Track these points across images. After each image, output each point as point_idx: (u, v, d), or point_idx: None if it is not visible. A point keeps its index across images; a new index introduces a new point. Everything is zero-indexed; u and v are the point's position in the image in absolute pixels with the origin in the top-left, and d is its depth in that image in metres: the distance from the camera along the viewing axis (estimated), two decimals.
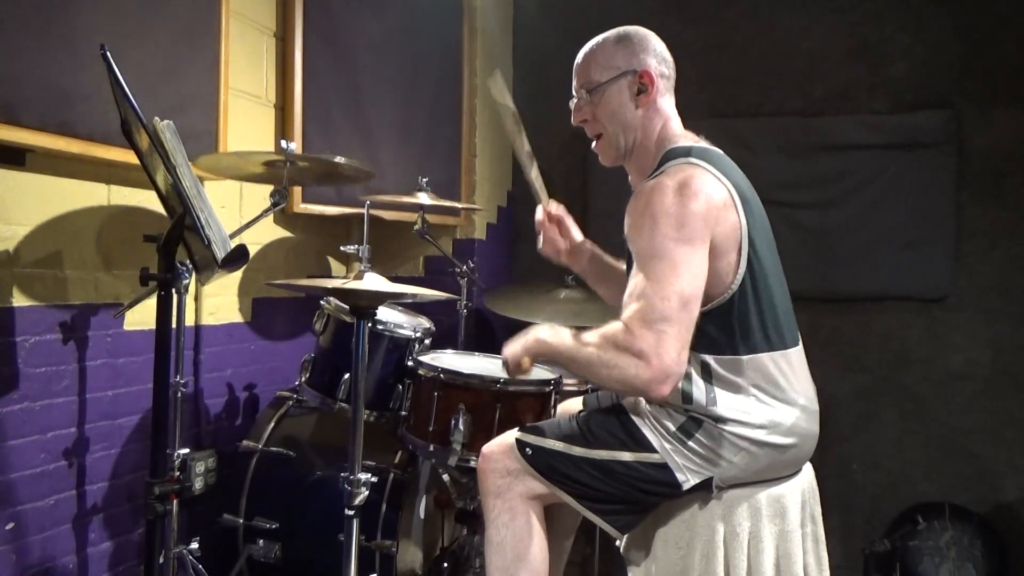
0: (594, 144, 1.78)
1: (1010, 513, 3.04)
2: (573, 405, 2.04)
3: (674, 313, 1.44)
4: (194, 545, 2.02)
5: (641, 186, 1.60)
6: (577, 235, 1.99)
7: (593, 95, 1.71)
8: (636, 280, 1.50)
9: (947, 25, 3.12)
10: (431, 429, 2.03)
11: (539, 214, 1.98)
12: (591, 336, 1.52)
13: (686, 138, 1.69)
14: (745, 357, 1.55)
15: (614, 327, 1.49)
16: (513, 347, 1.67)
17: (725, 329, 1.55)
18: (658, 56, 1.71)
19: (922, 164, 3.11)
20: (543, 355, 1.65)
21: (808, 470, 1.71)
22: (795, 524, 1.60)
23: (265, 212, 2.14)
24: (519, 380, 2.02)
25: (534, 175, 1.94)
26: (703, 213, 1.50)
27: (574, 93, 1.76)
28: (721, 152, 1.68)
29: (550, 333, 1.63)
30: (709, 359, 1.55)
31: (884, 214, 3.16)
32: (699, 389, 1.55)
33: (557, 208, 1.99)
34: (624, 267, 1.89)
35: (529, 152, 1.92)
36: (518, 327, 2.92)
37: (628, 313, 1.48)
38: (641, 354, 1.43)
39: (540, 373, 2.18)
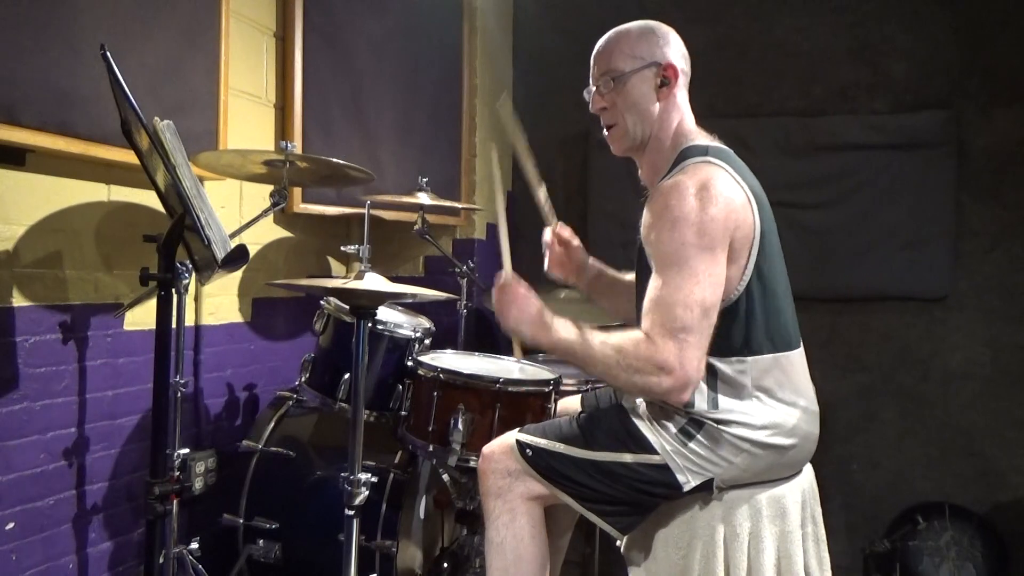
0: (605, 132, 1.75)
1: (1010, 513, 3.04)
2: (572, 403, 2.04)
3: (695, 322, 1.43)
4: (194, 545, 2.03)
5: (659, 186, 1.58)
6: (584, 257, 1.99)
7: (616, 83, 1.68)
8: (656, 287, 1.49)
9: (947, 25, 3.12)
10: (431, 429, 2.03)
11: (547, 235, 1.98)
12: (611, 340, 1.50)
13: (702, 136, 1.68)
14: (748, 359, 1.55)
15: (635, 336, 1.48)
16: (525, 323, 1.61)
17: (730, 331, 1.54)
18: (679, 52, 1.70)
19: (922, 164, 3.11)
20: (556, 350, 1.60)
21: (808, 471, 1.71)
22: (795, 525, 1.60)
23: (265, 212, 2.14)
24: (518, 381, 2.03)
25: (542, 197, 1.93)
26: (723, 219, 1.49)
27: (592, 82, 1.74)
28: (734, 153, 1.67)
29: (566, 329, 1.57)
30: (713, 361, 1.54)
31: (884, 214, 3.16)
32: (701, 393, 1.55)
33: (565, 230, 1.98)
34: (628, 277, 1.89)
35: (537, 175, 1.90)
36: None
37: (648, 322, 1.47)
38: (665, 365, 1.43)
39: (540, 373, 2.19)
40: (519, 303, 1.63)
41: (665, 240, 1.49)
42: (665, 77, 1.66)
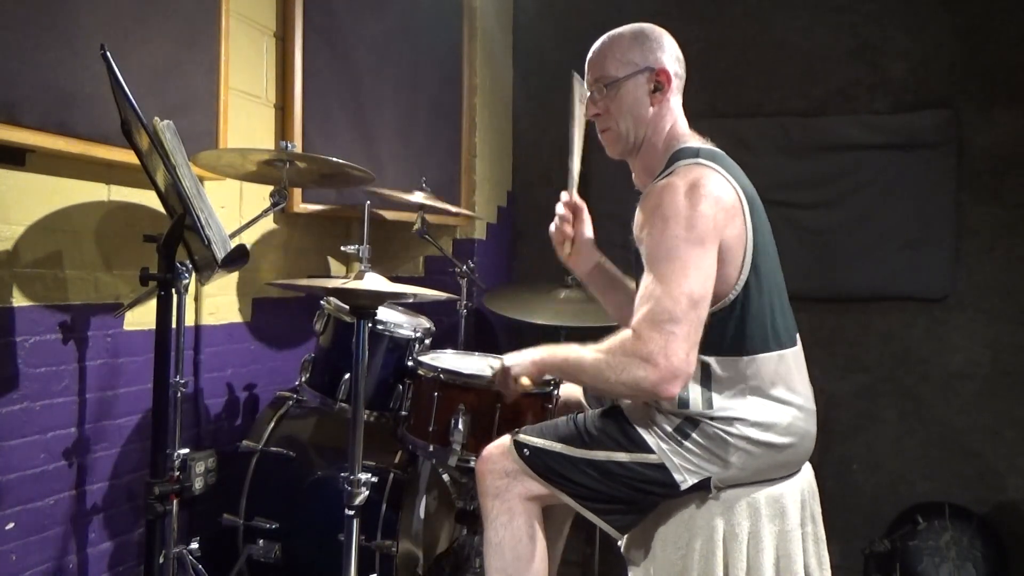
0: (601, 135, 1.77)
1: (1010, 513, 3.04)
2: (575, 390, 2.04)
3: (683, 313, 1.44)
4: (194, 545, 2.03)
5: (651, 186, 1.60)
6: (587, 231, 1.98)
7: (609, 89, 1.70)
8: (646, 282, 1.50)
9: (947, 25, 3.12)
10: (431, 429, 2.03)
11: (563, 198, 1.96)
12: (600, 344, 1.53)
13: (694, 138, 1.70)
14: (745, 358, 1.55)
15: (623, 334, 1.50)
16: (519, 358, 1.69)
17: (726, 331, 1.55)
18: (672, 55, 1.71)
19: (922, 164, 3.11)
20: (550, 367, 1.67)
21: (808, 470, 1.71)
22: (795, 524, 1.60)
23: (265, 212, 2.14)
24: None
25: (575, 168, 1.91)
26: (712, 215, 1.50)
27: (587, 88, 1.75)
28: (725, 155, 1.68)
29: (557, 347, 1.64)
30: (709, 360, 1.55)
31: (884, 214, 3.15)
32: (695, 393, 1.55)
33: (578, 200, 1.97)
34: (631, 283, 1.90)
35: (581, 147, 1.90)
36: (518, 327, 2.94)
37: (637, 317, 1.48)
38: (649, 356, 1.43)
39: None
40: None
41: (656, 237, 1.51)
42: (659, 82, 1.68)
